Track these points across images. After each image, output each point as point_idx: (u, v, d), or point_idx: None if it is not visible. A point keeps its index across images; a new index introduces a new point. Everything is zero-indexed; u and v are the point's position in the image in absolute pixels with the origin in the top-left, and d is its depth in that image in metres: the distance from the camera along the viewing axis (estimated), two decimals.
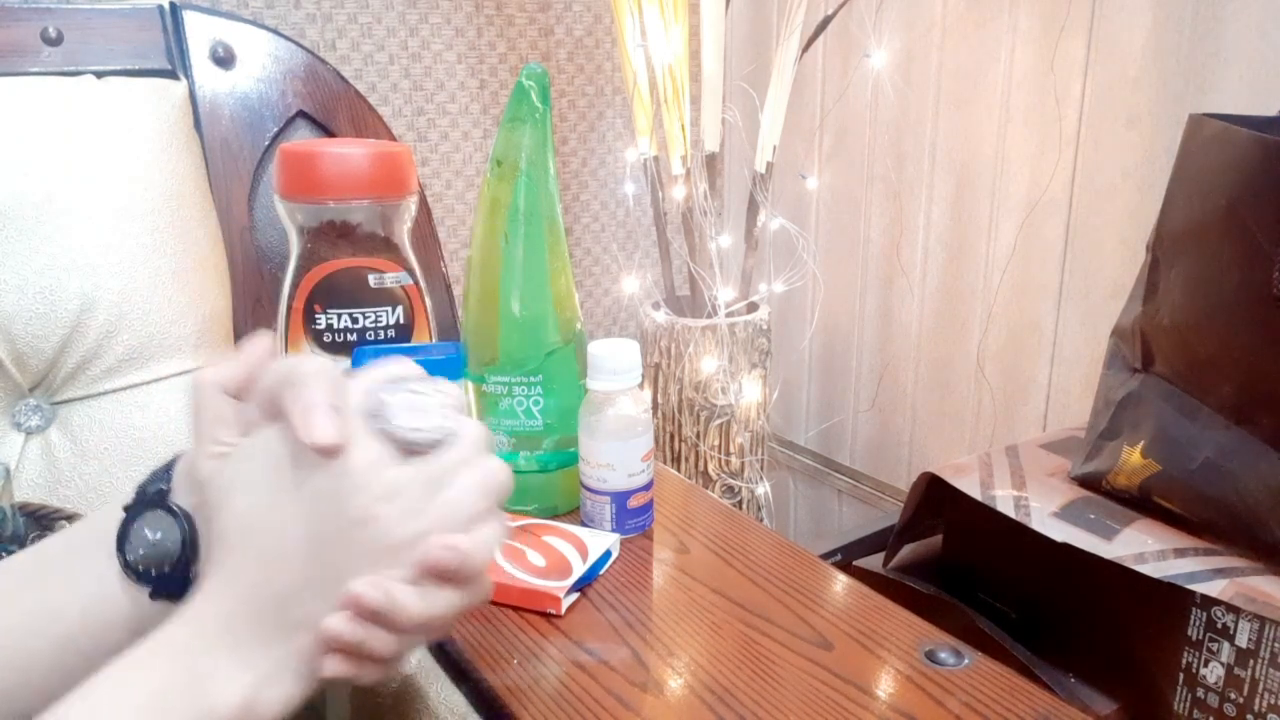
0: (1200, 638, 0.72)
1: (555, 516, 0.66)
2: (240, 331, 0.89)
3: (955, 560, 0.94)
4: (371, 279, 0.60)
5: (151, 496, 0.41)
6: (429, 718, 0.50)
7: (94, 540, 0.41)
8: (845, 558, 1.07)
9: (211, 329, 0.82)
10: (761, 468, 1.33)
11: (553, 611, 0.54)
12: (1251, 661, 0.70)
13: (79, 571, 0.40)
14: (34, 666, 0.39)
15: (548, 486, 0.67)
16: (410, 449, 0.37)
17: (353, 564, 0.35)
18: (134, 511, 0.41)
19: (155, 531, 0.40)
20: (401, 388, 0.39)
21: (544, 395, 0.63)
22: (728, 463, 1.29)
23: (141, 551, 0.40)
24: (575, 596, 0.56)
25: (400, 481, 0.36)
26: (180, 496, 0.41)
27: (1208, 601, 0.71)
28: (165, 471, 0.42)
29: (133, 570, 0.40)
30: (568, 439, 0.66)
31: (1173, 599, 0.72)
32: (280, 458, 0.36)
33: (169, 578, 0.39)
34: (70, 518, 0.63)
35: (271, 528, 0.36)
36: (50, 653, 0.39)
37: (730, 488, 1.30)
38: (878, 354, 1.40)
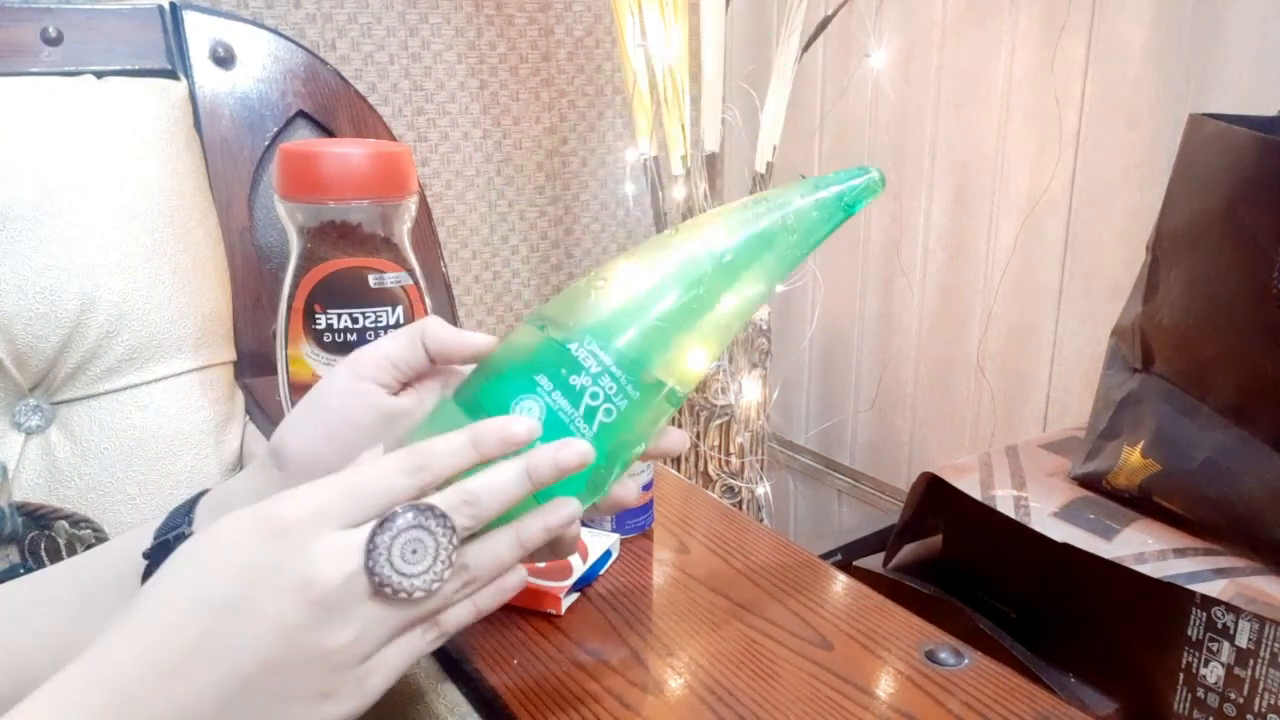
0: (1200, 638, 0.72)
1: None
2: (240, 332, 0.89)
3: (955, 560, 0.94)
4: (371, 279, 0.60)
5: (173, 543, 0.41)
6: (429, 718, 0.50)
7: (115, 585, 0.41)
8: (845, 558, 1.07)
9: (211, 329, 0.82)
10: (761, 468, 1.33)
11: (553, 611, 0.54)
12: (1251, 661, 0.70)
13: (104, 614, 0.40)
14: None
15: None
16: (382, 591, 0.34)
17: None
18: (156, 557, 0.41)
19: None
20: (405, 520, 0.35)
21: (618, 413, 0.42)
22: (728, 463, 1.29)
23: None
24: (575, 596, 0.56)
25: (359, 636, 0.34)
26: None
27: (1208, 601, 0.71)
28: (186, 512, 0.42)
29: None
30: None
31: (1173, 599, 0.72)
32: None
33: None
34: (69, 517, 0.63)
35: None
36: None
37: (730, 488, 1.30)
38: (878, 354, 1.40)
